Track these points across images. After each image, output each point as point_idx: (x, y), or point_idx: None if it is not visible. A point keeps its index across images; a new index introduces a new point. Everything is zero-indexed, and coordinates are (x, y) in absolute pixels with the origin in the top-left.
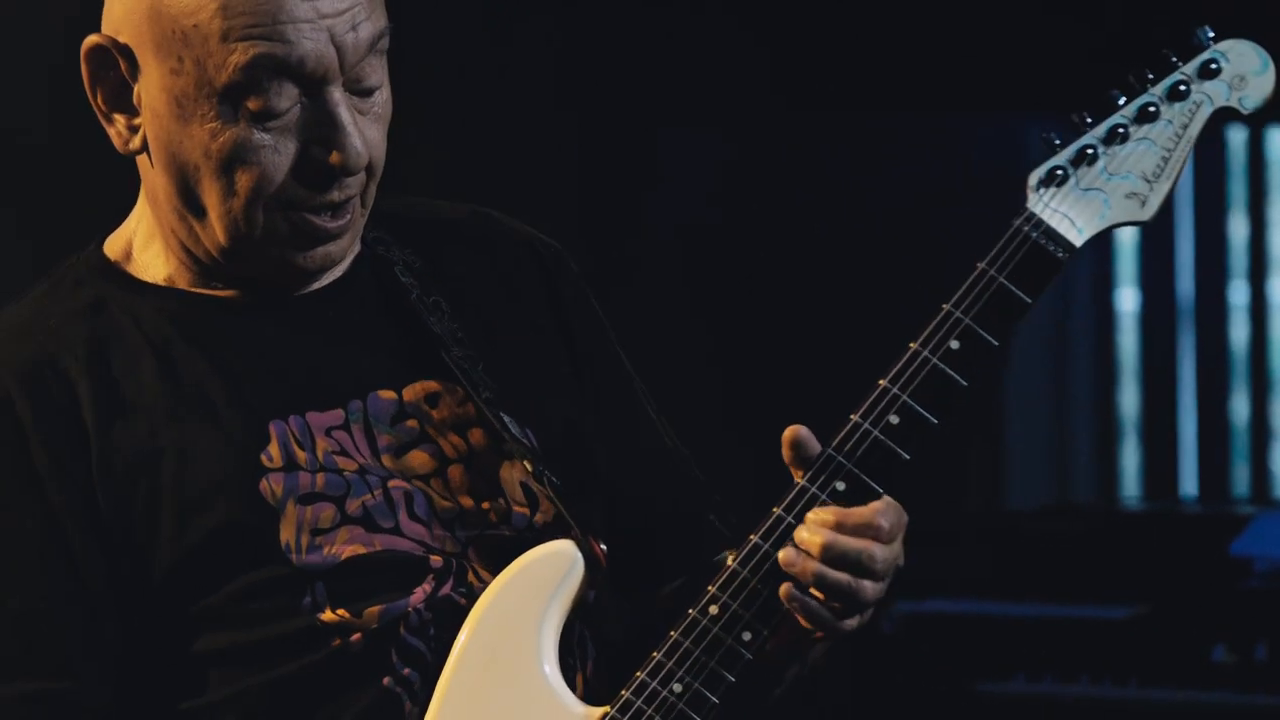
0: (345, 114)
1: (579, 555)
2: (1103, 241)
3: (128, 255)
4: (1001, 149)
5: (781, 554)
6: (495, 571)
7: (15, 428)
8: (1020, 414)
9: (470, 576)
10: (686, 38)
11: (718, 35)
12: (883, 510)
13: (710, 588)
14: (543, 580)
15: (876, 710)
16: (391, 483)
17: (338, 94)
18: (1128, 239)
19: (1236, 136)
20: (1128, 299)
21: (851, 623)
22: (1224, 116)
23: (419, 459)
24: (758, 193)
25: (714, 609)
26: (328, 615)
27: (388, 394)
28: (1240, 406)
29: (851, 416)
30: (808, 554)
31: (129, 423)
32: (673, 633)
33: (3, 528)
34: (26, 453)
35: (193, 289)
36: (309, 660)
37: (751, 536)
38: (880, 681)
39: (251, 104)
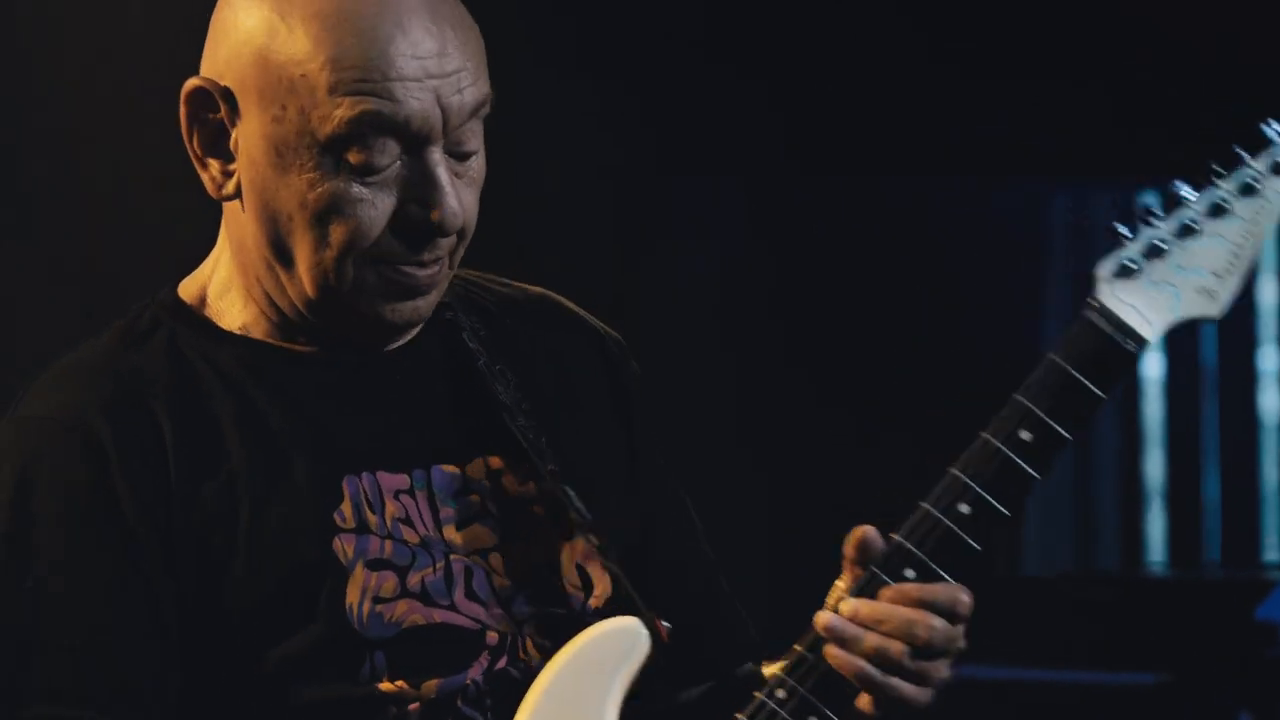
0: (444, 174)
1: (644, 632)
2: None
3: (203, 301)
4: (1019, 214)
5: (828, 619)
6: (550, 648)
7: (101, 462)
8: (1043, 479)
9: (522, 654)
10: (701, 95)
11: (735, 94)
12: (947, 587)
13: (778, 671)
14: (609, 655)
15: None
16: (452, 557)
17: (438, 154)
18: None
19: None
20: (1153, 365)
21: (918, 697)
22: None
23: (479, 533)
24: (772, 250)
25: (781, 693)
26: (386, 685)
27: (451, 468)
28: (1270, 472)
29: (922, 504)
30: (863, 625)
31: (208, 468)
32: (739, 716)
33: (83, 558)
34: (111, 488)
35: (270, 340)
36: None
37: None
38: None
39: (352, 158)
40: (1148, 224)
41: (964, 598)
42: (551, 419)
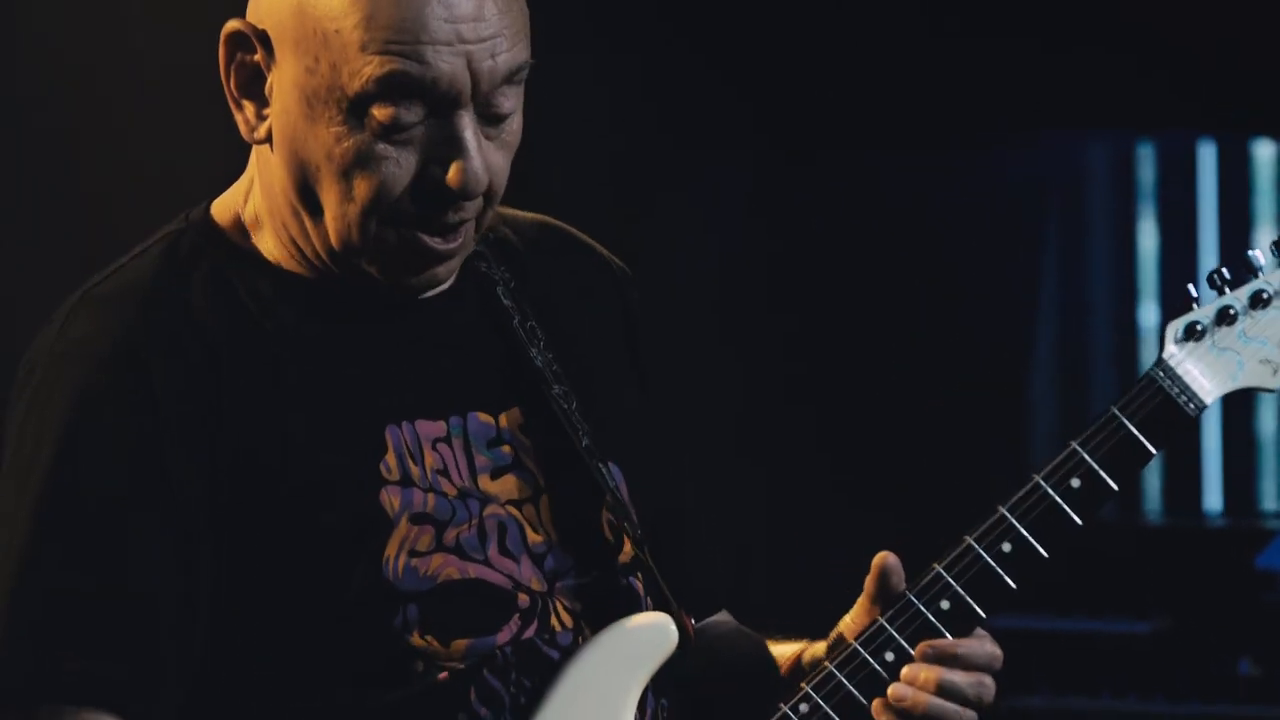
0: (470, 137)
1: (675, 632)
2: (1124, 255)
3: (239, 227)
4: (1021, 181)
5: (893, 689)
6: (579, 616)
7: (151, 398)
8: (1043, 429)
9: (553, 620)
10: (711, 73)
11: (731, 70)
12: (993, 643)
13: (804, 685)
14: (637, 651)
15: None
16: (486, 510)
17: (466, 117)
18: (1149, 252)
19: (1263, 151)
20: (1150, 314)
21: None
22: None
23: (512, 485)
24: (780, 226)
25: (805, 707)
26: (415, 639)
27: (486, 417)
28: (1267, 421)
29: (965, 538)
30: (922, 689)
31: (257, 407)
32: None
33: (122, 502)
34: (161, 427)
35: (306, 275)
36: (392, 687)
37: (852, 641)
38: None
39: (379, 115)
40: (1220, 288)
41: (999, 654)
42: (580, 379)
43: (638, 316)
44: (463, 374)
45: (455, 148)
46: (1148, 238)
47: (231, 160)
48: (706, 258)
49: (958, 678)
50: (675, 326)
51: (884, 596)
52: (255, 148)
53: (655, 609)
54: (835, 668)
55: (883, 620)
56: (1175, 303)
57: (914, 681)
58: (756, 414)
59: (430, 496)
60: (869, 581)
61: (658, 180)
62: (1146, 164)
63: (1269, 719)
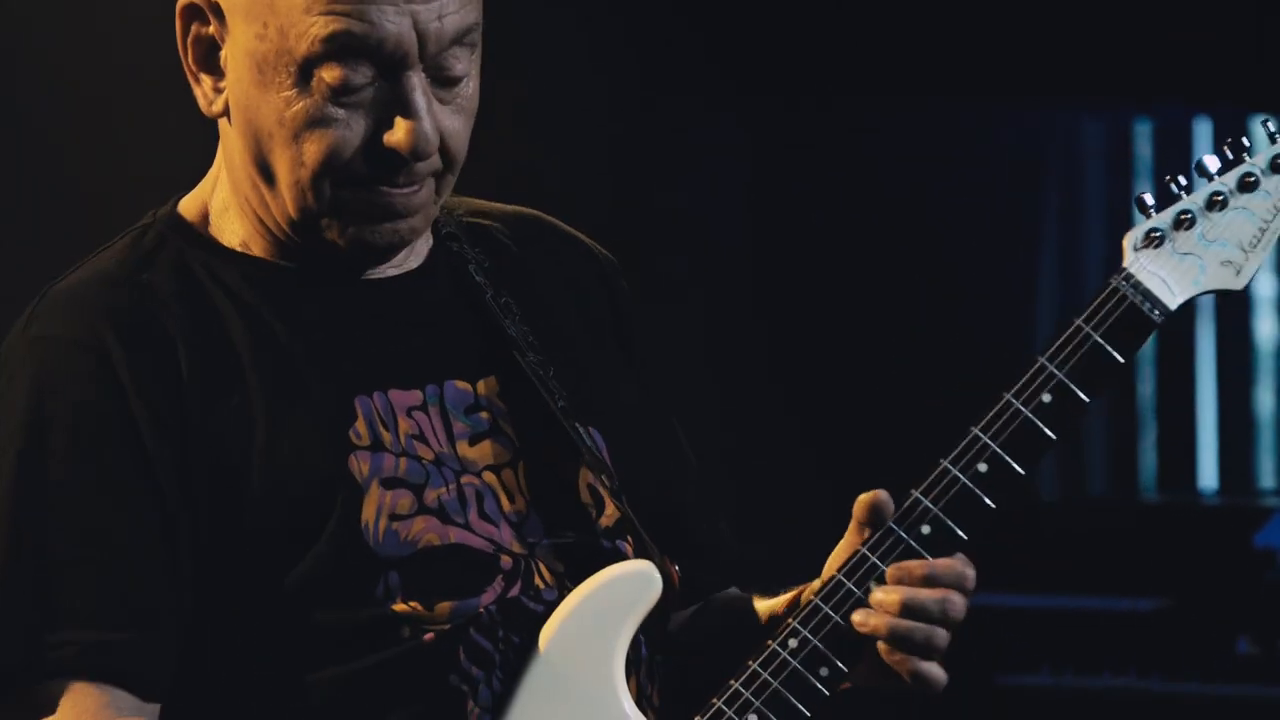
0: (420, 99)
1: (658, 577)
2: (1117, 233)
3: (204, 218)
4: (1022, 137)
5: (855, 615)
6: (562, 575)
7: (114, 378)
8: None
9: (537, 579)
10: (712, 25)
11: (726, 20)
12: (966, 563)
13: (791, 620)
14: (623, 599)
15: (897, 703)
16: (464, 478)
17: (415, 79)
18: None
19: (1258, 129)
20: None
21: (929, 667)
22: None
23: (492, 449)
24: (778, 181)
25: (793, 642)
26: (399, 606)
27: (463, 384)
28: (1265, 399)
29: (941, 461)
30: (886, 611)
31: (222, 388)
32: (750, 662)
33: (97, 480)
34: (125, 404)
35: (271, 259)
36: (377, 651)
37: (836, 573)
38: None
39: (327, 76)
40: (1176, 194)
41: (970, 573)
42: (557, 350)
43: (626, 305)
44: (436, 347)
45: (404, 109)
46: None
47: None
48: (702, 247)
49: (923, 595)
50: (667, 321)
51: (871, 528)
52: (220, 125)
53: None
54: (820, 600)
55: (864, 549)
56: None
57: (879, 605)
58: (745, 410)
59: (403, 460)
60: (856, 511)
61: (654, 170)
62: (1144, 141)
63: (1267, 698)
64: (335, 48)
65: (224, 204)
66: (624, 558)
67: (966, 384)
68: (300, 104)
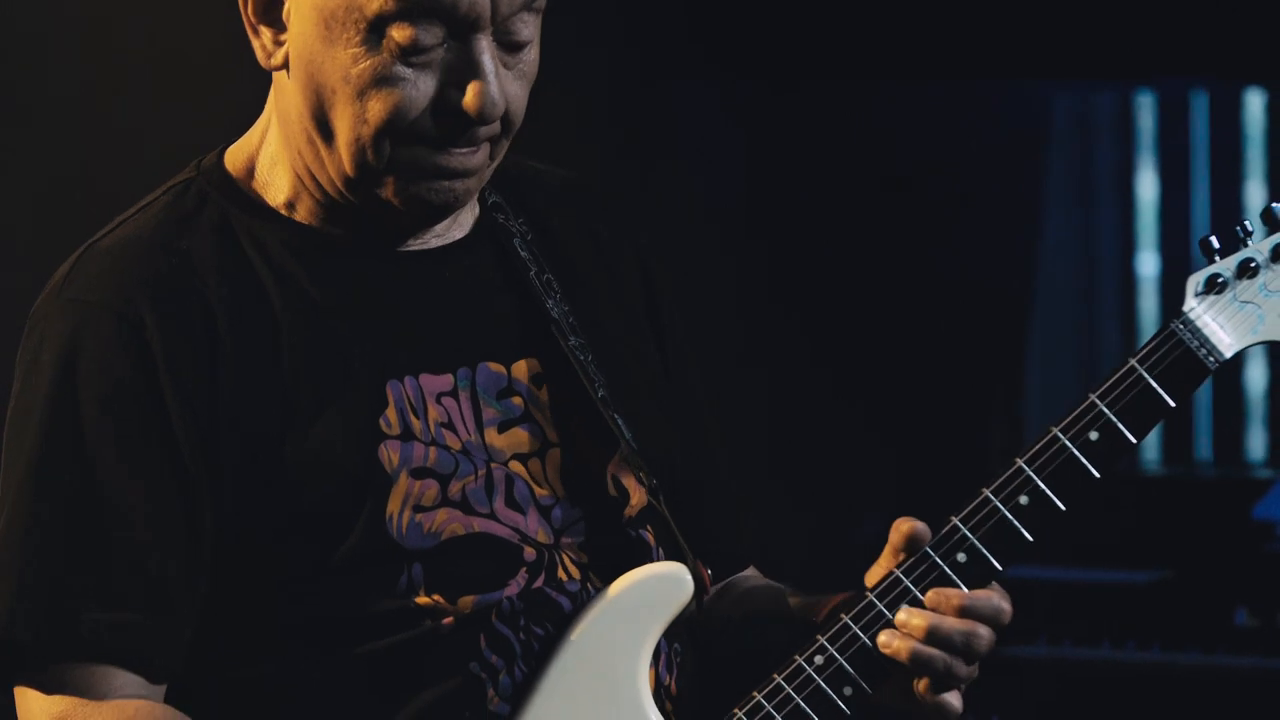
0: (489, 62)
1: (690, 581)
2: (1125, 205)
3: (250, 171)
4: (1019, 116)
5: (882, 635)
6: (586, 567)
7: (146, 349)
8: (1043, 378)
9: (561, 572)
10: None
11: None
12: (1003, 597)
13: (819, 637)
14: (653, 600)
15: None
16: (493, 465)
17: (485, 41)
18: (1149, 202)
19: (1254, 102)
20: (1149, 264)
21: (946, 696)
22: None
23: (521, 437)
24: (777, 161)
25: (819, 659)
26: (422, 599)
27: (497, 367)
28: (1256, 373)
29: (983, 490)
30: (910, 635)
31: (257, 362)
32: (776, 675)
33: (122, 453)
34: (156, 377)
35: (314, 223)
36: (399, 638)
37: (868, 593)
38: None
39: (398, 35)
40: (1242, 239)
41: (1006, 607)
42: (595, 330)
43: (660, 285)
44: (474, 324)
45: (474, 71)
46: (1147, 188)
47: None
48: (700, 230)
49: (949, 625)
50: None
51: (907, 553)
52: (274, 81)
53: (669, 559)
54: (850, 619)
55: (898, 572)
56: (1174, 252)
57: (904, 628)
58: (754, 381)
59: (432, 450)
60: (893, 536)
61: (649, 153)
62: (1146, 113)
63: (1266, 669)
64: (409, 7)
65: (272, 158)
66: (648, 548)
67: (969, 362)
68: (367, 61)
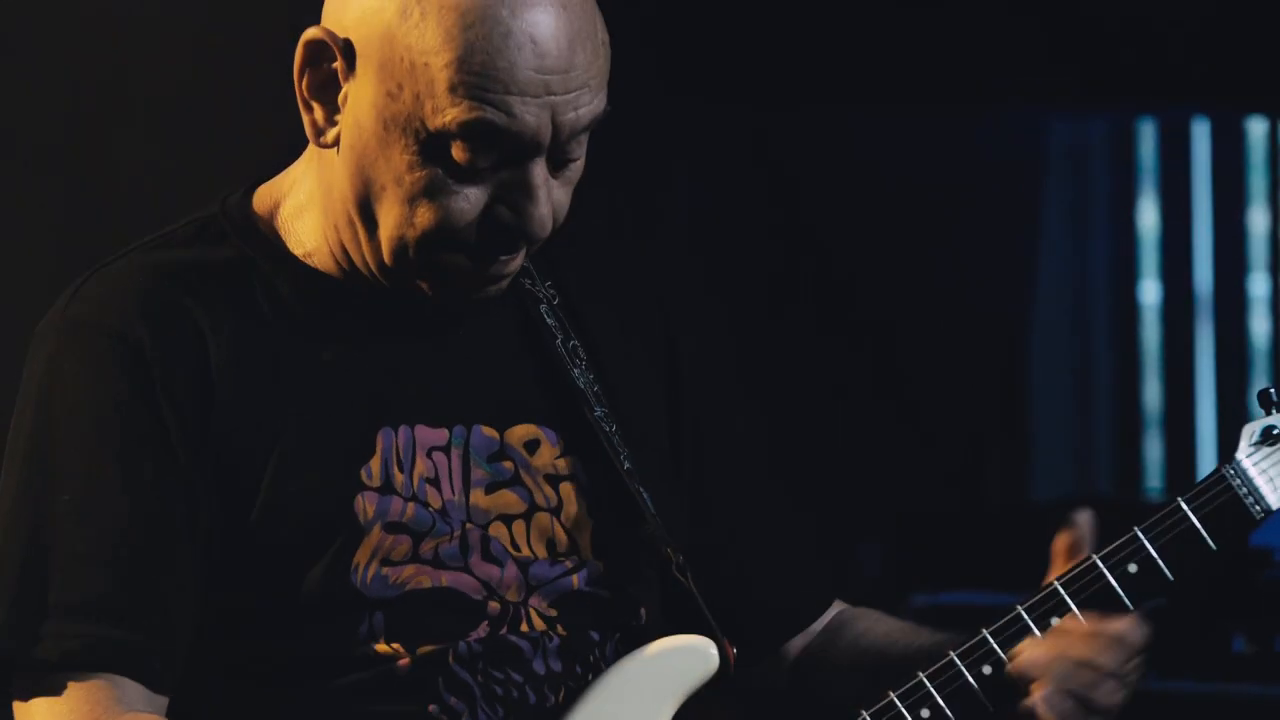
0: (541, 184)
1: (716, 657)
2: (1125, 233)
3: (274, 214)
4: (1014, 142)
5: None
6: (556, 619)
7: (145, 372)
8: (1042, 407)
9: (524, 624)
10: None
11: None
12: (1133, 623)
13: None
14: (676, 673)
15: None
16: (469, 525)
17: (540, 166)
18: (1149, 230)
19: (1256, 128)
20: (1150, 292)
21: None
22: None
23: (509, 499)
24: (774, 188)
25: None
26: (381, 647)
27: (490, 431)
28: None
29: (1019, 608)
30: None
31: (248, 397)
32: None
33: (116, 468)
34: (153, 400)
35: (333, 272)
36: (357, 679)
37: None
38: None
39: (456, 154)
40: (1268, 407)
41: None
42: (622, 401)
43: (680, 338)
44: (478, 384)
45: (526, 194)
46: (1148, 215)
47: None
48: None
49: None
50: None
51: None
52: (320, 153)
53: (697, 632)
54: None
55: (1019, 614)
56: (1174, 281)
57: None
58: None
59: (410, 506)
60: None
61: (645, 175)
62: (1147, 141)
63: (1263, 696)
64: (472, 132)
65: (299, 208)
66: (634, 609)
67: (968, 385)
68: (422, 172)
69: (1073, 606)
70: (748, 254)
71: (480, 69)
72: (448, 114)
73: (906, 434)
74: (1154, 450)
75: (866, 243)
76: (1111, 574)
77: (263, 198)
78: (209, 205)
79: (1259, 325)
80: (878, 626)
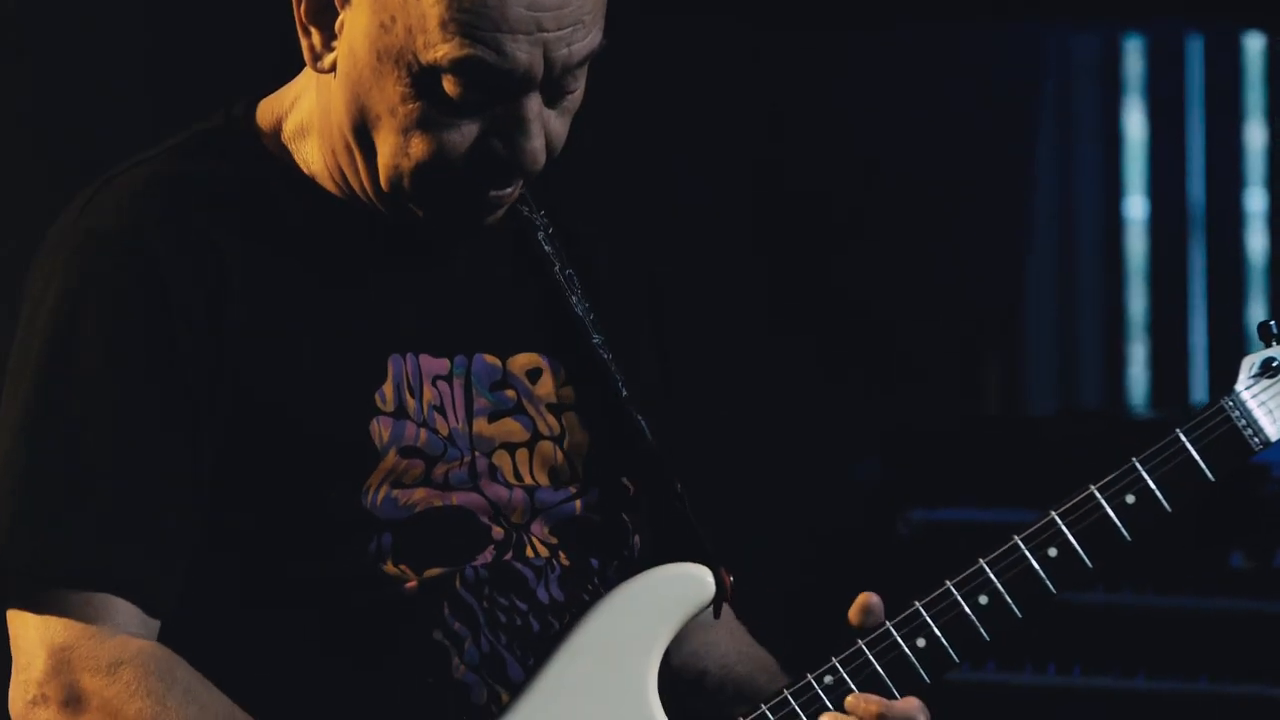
0: (535, 118)
1: (711, 584)
2: (1111, 148)
3: (278, 130)
4: (1009, 60)
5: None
6: (556, 547)
7: (162, 289)
8: (1033, 321)
9: (529, 550)
10: None
11: None
12: (923, 709)
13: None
14: (671, 599)
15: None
16: (477, 453)
17: (533, 100)
18: (1136, 145)
19: (1253, 44)
20: (1137, 207)
21: None
22: None
23: (511, 427)
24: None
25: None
26: (389, 568)
27: (492, 359)
28: (1257, 314)
29: (1013, 537)
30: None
31: (262, 318)
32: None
33: (127, 382)
34: (167, 314)
35: (337, 194)
36: (363, 601)
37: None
38: (894, 588)
39: (447, 88)
40: (1268, 339)
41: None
42: (615, 330)
43: (660, 298)
44: (479, 313)
45: (519, 128)
46: (1135, 130)
47: None
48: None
49: None
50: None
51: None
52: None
53: (691, 560)
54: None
55: (866, 641)
56: (1164, 197)
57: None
58: (738, 338)
59: (423, 432)
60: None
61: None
62: (1134, 57)
63: (1261, 612)
64: (462, 67)
65: (301, 128)
66: (628, 536)
67: (959, 315)
68: (415, 104)
69: (1069, 536)
70: (719, 179)
71: (471, 6)
72: (439, 50)
73: (901, 349)
74: (1140, 366)
75: (850, 168)
76: (1109, 504)
77: (265, 113)
78: (212, 117)
79: (1255, 241)
80: (723, 646)
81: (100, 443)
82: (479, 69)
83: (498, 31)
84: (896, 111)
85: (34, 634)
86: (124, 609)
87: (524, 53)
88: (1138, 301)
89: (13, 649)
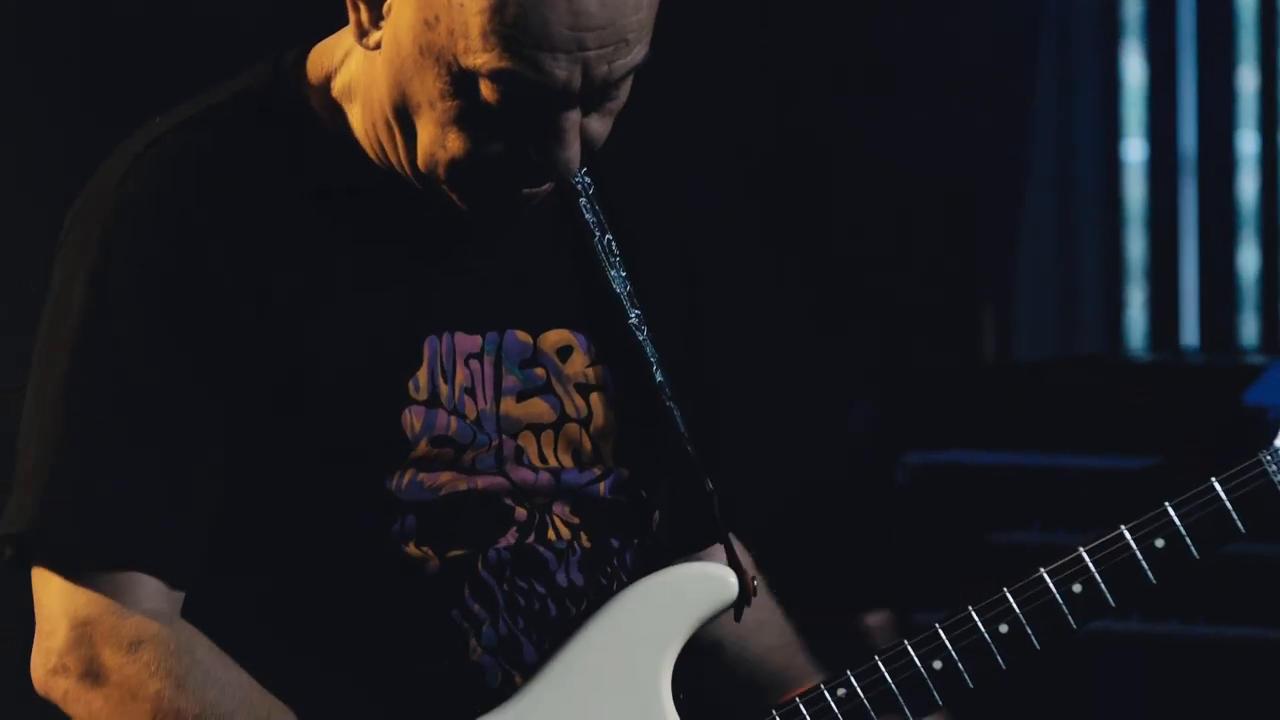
0: (572, 129)
1: (735, 585)
2: (1109, 92)
3: (328, 86)
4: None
5: None
6: (579, 527)
7: (199, 265)
8: (1029, 265)
9: (550, 532)
10: None
11: None
12: None
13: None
14: (692, 598)
15: (889, 560)
16: (504, 436)
17: (572, 114)
18: (1135, 90)
19: None
20: (1134, 150)
21: None
22: None
23: (540, 408)
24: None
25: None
26: (412, 549)
27: (524, 336)
28: (1249, 257)
29: (1040, 570)
30: None
31: (305, 294)
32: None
33: (160, 353)
34: (205, 284)
35: (379, 162)
36: (384, 579)
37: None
38: (893, 532)
39: (485, 93)
40: None
41: None
42: (653, 303)
43: (701, 265)
44: (514, 287)
45: (554, 137)
46: (1134, 73)
47: None
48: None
49: None
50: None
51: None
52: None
53: (715, 559)
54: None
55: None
56: (1159, 139)
57: None
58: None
59: (454, 420)
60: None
61: None
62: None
63: (1256, 554)
64: (500, 80)
65: (348, 88)
66: (649, 516)
67: (958, 225)
68: (454, 102)
69: (1095, 574)
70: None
71: (513, 21)
72: (479, 57)
73: (897, 291)
74: (1138, 309)
75: (847, 104)
76: (1138, 547)
77: (315, 66)
78: (259, 70)
79: (1247, 184)
80: (760, 636)
81: (131, 416)
82: (516, 82)
83: (538, 50)
84: (894, 55)
85: (57, 603)
86: (149, 584)
87: (563, 70)
88: (1136, 245)
89: (36, 612)
